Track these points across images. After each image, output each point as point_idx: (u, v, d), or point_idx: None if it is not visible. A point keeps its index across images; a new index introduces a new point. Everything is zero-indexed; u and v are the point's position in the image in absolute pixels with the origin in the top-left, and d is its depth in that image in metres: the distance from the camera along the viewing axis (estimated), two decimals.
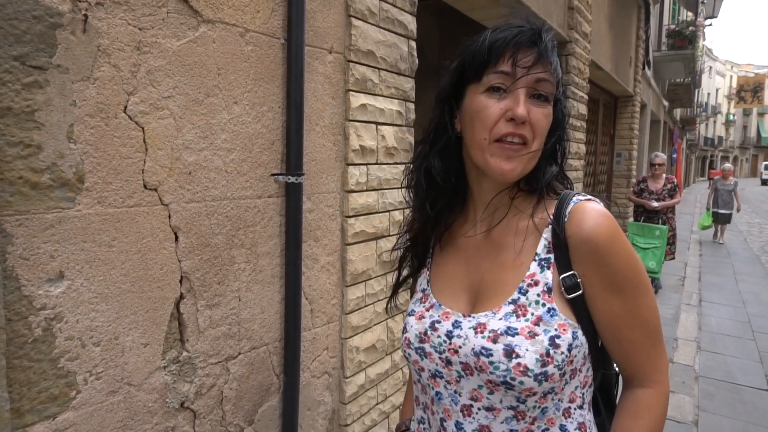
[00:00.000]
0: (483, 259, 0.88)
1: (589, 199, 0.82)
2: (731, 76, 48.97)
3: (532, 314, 0.78)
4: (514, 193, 0.86)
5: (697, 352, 4.46)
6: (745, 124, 56.16)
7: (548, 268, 0.80)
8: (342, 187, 1.94)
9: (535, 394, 0.76)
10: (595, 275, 0.78)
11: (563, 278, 0.79)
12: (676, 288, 6.58)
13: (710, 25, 13.81)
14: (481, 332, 0.79)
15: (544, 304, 0.78)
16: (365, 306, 2.06)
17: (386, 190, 2.12)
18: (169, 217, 1.39)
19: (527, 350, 0.75)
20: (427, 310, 0.89)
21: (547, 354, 0.75)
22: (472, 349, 0.78)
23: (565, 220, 0.80)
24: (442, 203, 0.93)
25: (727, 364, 4.23)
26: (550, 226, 0.82)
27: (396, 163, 2.17)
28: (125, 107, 1.27)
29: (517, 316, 0.78)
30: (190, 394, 1.49)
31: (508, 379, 0.75)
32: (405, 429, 1.06)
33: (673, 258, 6.38)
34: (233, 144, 1.54)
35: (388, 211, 2.14)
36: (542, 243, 0.82)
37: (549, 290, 0.79)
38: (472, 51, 0.83)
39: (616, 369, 0.89)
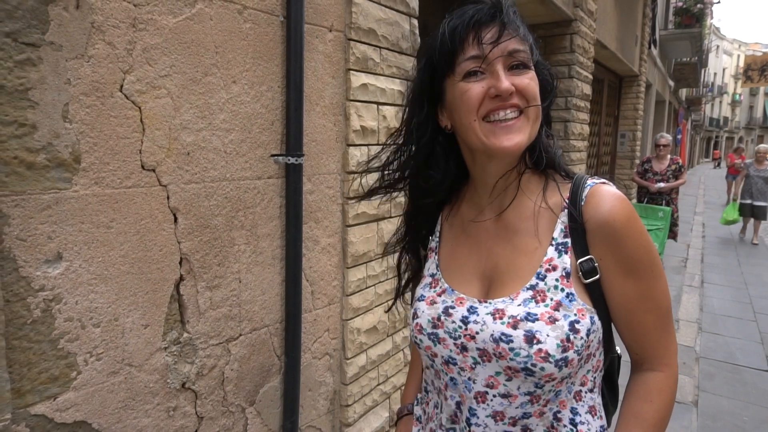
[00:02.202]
0: (495, 245, 0.86)
1: (604, 183, 0.81)
2: (738, 56, 48.31)
3: (552, 299, 0.77)
4: (522, 168, 0.84)
5: (698, 333, 4.47)
6: (752, 105, 55.58)
7: (566, 252, 0.79)
8: (343, 168, 1.92)
9: (554, 379, 0.76)
10: (612, 259, 0.77)
11: (581, 263, 0.78)
12: (678, 269, 6.58)
13: (718, 2, 13.56)
14: (500, 318, 0.78)
15: (563, 289, 0.77)
16: (366, 288, 2.06)
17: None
18: (168, 198, 1.38)
19: (548, 336, 0.74)
20: (439, 295, 0.88)
21: (568, 339, 0.74)
22: (491, 335, 0.77)
23: (582, 203, 0.78)
24: (431, 201, 0.95)
25: (728, 345, 4.24)
26: (566, 210, 0.80)
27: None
28: (121, 86, 1.25)
29: (536, 302, 0.77)
30: (191, 375, 1.49)
31: (529, 365, 0.74)
32: (407, 413, 1.05)
33: (675, 239, 6.37)
34: (232, 124, 1.52)
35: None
36: (559, 227, 0.80)
37: (567, 275, 0.78)
38: (435, 45, 0.81)
39: (618, 352, 0.89)
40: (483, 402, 0.80)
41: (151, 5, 1.28)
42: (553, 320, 0.75)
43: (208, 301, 1.51)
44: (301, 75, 1.64)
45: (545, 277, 0.78)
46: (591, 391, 0.82)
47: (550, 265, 0.79)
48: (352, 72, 1.87)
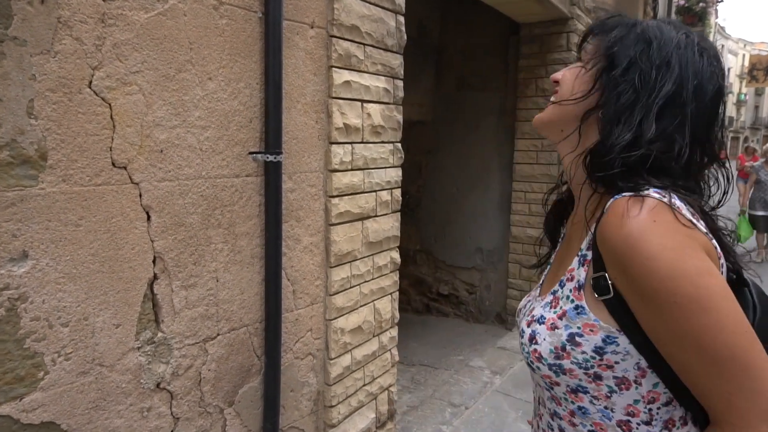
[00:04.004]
0: (561, 248, 0.93)
1: (639, 195, 0.71)
2: (744, 55, 48.04)
3: (560, 308, 0.79)
4: (582, 176, 0.81)
5: None
6: (757, 104, 55.25)
7: (583, 265, 0.77)
8: (325, 167, 1.90)
9: (557, 383, 0.78)
10: (625, 282, 0.70)
11: (594, 278, 0.74)
12: None
13: (722, 1, 13.48)
14: (526, 316, 0.86)
15: (572, 300, 0.77)
16: (351, 287, 2.04)
17: (372, 170, 2.08)
18: (140, 195, 1.36)
19: (544, 339, 0.78)
20: (531, 293, 0.96)
21: (563, 348, 0.75)
22: (521, 329, 0.86)
23: (602, 217, 0.74)
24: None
25: None
26: (597, 223, 0.76)
27: (383, 142, 2.12)
28: (90, 82, 1.23)
29: (551, 307, 0.81)
30: (167, 375, 1.48)
31: (529, 361, 0.81)
32: None
33: None
34: (208, 121, 1.50)
35: (375, 191, 2.10)
36: (587, 239, 0.78)
37: (580, 287, 0.77)
38: None
39: None
40: (537, 385, 0.91)
41: (120, 0, 1.27)
42: (553, 327, 0.78)
43: (183, 300, 1.49)
44: (279, 72, 1.62)
45: (564, 285, 0.80)
46: (647, 424, 0.75)
47: (570, 274, 0.80)
48: (334, 69, 1.85)
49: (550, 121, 0.87)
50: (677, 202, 0.71)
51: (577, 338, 0.74)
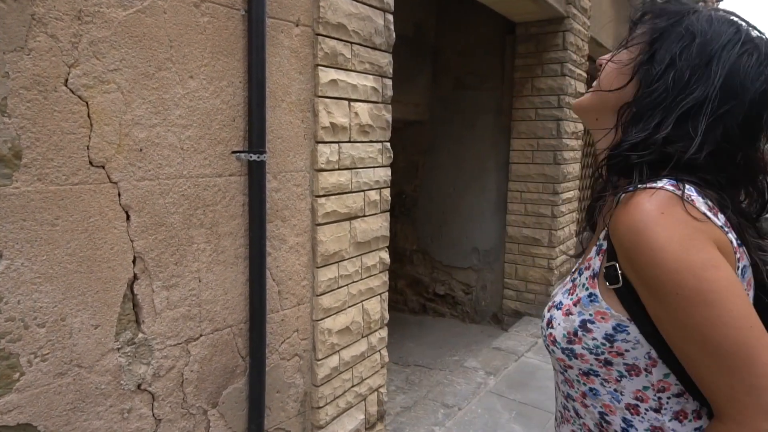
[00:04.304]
0: (592, 239, 0.92)
1: (651, 187, 0.71)
2: None
3: (576, 295, 0.81)
4: (602, 166, 0.84)
5: None
6: None
7: (599, 254, 0.79)
8: (311, 166, 1.88)
9: (570, 367, 0.81)
10: (632, 272, 0.71)
11: (606, 267, 0.76)
12: None
13: (721, 0, 13.45)
14: (550, 301, 0.89)
15: (587, 288, 0.79)
16: (338, 288, 2.02)
17: (360, 169, 2.06)
18: (119, 195, 1.35)
19: (559, 324, 0.81)
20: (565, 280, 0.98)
21: (575, 334, 0.78)
22: (543, 313, 0.88)
23: (615, 209, 0.75)
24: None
25: None
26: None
27: (371, 141, 2.11)
28: (66, 80, 1.22)
29: (569, 294, 0.83)
30: (147, 376, 1.46)
31: (546, 344, 0.85)
32: None
33: None
34: (189, 120, 1.48)
35: (363, 190, 2.09)
36: (604, 230, 0.79)
37: (594, 276, 0.79)
38: None
39: None
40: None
41: None
42: (568, 313, 0.80)
43: (164, 300, 1.48)
44: (263, 70, 1.61)
45: (582, 273, 0.83)
46: (656, 411, 0.75)
47: (588, 263, 0.82)
48: (320, 68, 1.83)
49: (586, 107, 0.89)
50: (693, 195, 0.70)
51: (588, 325, 0.77)
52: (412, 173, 5.53)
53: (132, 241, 1.39)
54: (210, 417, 1.64)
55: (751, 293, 0.76)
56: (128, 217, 1.38)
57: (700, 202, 0.70)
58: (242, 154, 1.62)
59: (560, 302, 0.84)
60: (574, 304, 0.80)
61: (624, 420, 0.78)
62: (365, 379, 2.23)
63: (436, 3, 5.19)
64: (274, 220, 1.77)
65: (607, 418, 0.79)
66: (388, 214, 2.27)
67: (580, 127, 4.89)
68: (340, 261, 2.02)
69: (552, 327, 0.82)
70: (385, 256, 2.28)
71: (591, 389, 0.80)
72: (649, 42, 0.78)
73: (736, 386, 0.65)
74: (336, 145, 1.93)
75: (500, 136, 4.88)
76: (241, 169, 1.64)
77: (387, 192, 2.24)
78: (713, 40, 0.74)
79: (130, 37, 1.33)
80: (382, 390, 2.36)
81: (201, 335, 1.59)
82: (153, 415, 1.49)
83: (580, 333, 0.77)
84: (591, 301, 0.77)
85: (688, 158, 0.72)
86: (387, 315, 2.33)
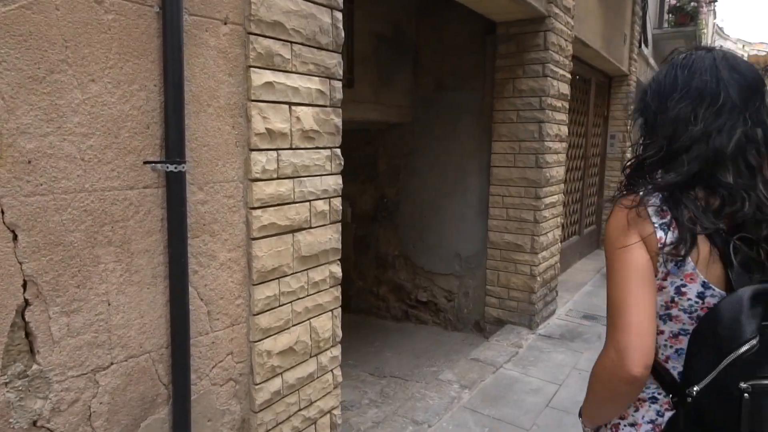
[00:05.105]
0: None
1: (629, 194, 1.02)
2: (743, 55, 47.69)
3: None
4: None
5: None
6: None
7: None
8: (245, 176, 1.74)
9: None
10: None
11: None
12: None
13: (716, 1, 13.30)
14: None
15: None
16: (279, 306, 1.88)
17: (305, 178, 1.92)
18: (2, 212, 1.21)
19: None
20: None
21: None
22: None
23: None
24: None
25: None
26: None
27: (317, 148, 1.96)
28: None
29: None
30: (45, 412, 1.32)
31: None
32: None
33: None
34: (91, 128, 1.34)
35: (309, 201, 1.95)
36: None
37: None
38: None
39: (693, 392, 0.92)
40: None
41: None
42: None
43: (64, 327, 1.34)
44: (180, 73, 1.47)
45: None
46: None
47: None
48: (253, 69, 1.69)
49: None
50: (651, 201, 0.97)
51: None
52: (394, 177, 5.39)
53: (20, 263, 1.25)
54: None
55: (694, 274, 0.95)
56: (15, 237, 1.23)
57: (653, 208, 0.97)
58: (158, 165, 1.47)
59: None
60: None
61: None
62: (315, 401, 2.09)
63: (416, 2, 5.05)
64: (201, 234, 1.63)
65: None
66: (339, 225, 2.13)
67: (564, 129, 4.76)
68: (281, 277, 1.87)
69: None
70: (337, 269, 2.14)
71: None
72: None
73: (610, 323, 0.97)
74: (274, 153, 1.79)
75: (482, 138, 4.74)
76: (158, 180, 1.50)
77: (338, 201, 2.10)
78: (652, 84, 1.06)
79: (11, 36, 1.18)
80: (335, 412, 2.21)
81: (112, 363, 1.45)
82: None
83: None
84: None
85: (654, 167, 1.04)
86: (339, 332, 2.19)
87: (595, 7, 5.90)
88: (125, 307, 1.46)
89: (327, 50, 1.96)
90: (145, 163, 1.46)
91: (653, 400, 1.01)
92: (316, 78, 1.93)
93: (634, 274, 0.94)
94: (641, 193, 0.98)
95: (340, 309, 2.18)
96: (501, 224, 4.64)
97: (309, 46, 1.88)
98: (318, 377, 2.09)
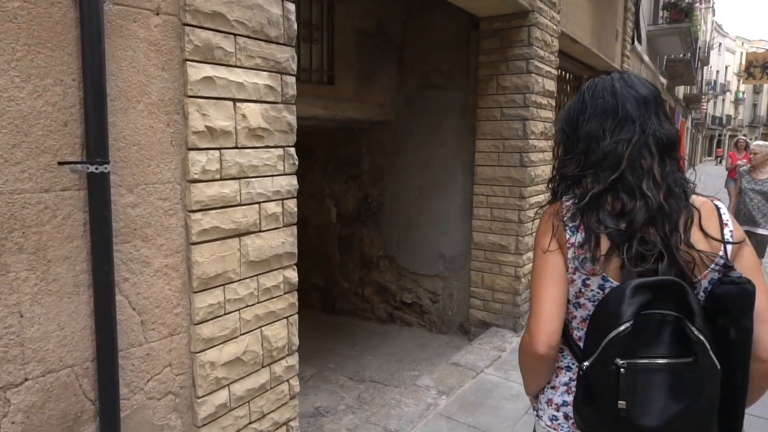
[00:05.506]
0: None
1: (550, 203, 1.22)
2: (742, 53, 47.57)
3: None
4: None
5: None
6: (755, 102, 54.79)
7: None
8: (183, 177, 1.64)
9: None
10: None
11: None
12: None
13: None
14: None
15: None
16: (225, 314, 1.77)
17: (253, 179, 1.81)
18: None
19: None
20: None
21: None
22: None
23: None
24: None
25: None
26: None
27: (267, 147, 1.86)
28: None
29: None
30: None
31: None
32: None
33: None
34: None
35: (258, 203, 1.84)
36: None
37: None
38: None
39: (584, 365, 1.05)
40: None
41: None
42: None
43: None
44: (100, 66, 1.36)
45: None
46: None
47: None
48: (190, 63, 1.59)
49: None
50: (565, 206, 1.13)
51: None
52: (378, 176, 5.28)
53: None
54: None
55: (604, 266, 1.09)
56: None
57: (569, 213, 1.12)
58: (79, 165, 1.37)
59: None
60: None
61: None
62: (268, 413, 1.99)
63: (401, 3, 4.93)
64: (131, 240, 1.53)
65: None
66: (294, 228, 2.02)
67: (549, 127, 4.65)
68: (226, 283, 1.77)
69: None
70: (292, 275, 2.03)
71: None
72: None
73: (530, 308, 1.13)
74: (216, 152, 1.69)
75: (466, 136, 4.63)
76: (79, 182, 1.40)
77: (292, 203, 1.99)
78: (565, 110, 1.23)
79: None
80: (292, 424, 2.11)
81: (26, 380, 1.34)
82: None
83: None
84: None
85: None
86: (296, 340, 2.09)
87: (583, 2, 5.79)
88: (41, 318, 1.35)
89: (277, 43, 1.86)
90: (60, 163, 1.35)
91: (568, 368, 1.20)
92: (265, 73, 1.82)
93: (549, 273, 1.12)
94: (563, 200, 1.15)
95: (296, 316, 2.08)
96: (485, 224, 4.54)
97: (256, 39, 1.78)
98: (272, 388, 1.99)
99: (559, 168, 1.20)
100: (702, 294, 1.05)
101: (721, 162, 35.17)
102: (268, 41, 1.82)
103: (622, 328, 0.96)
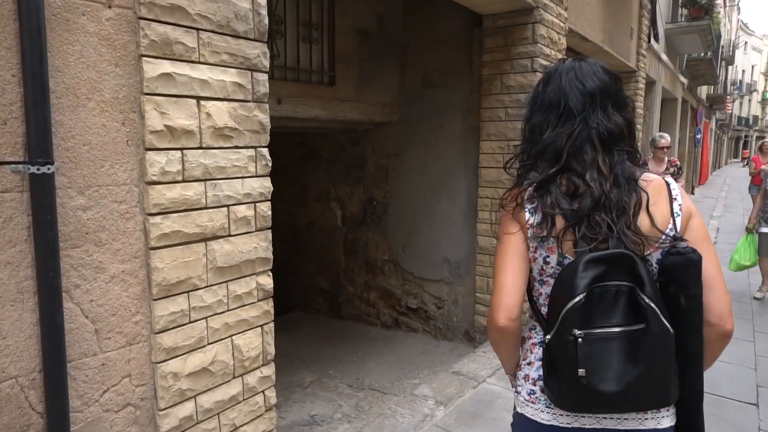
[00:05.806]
0: None
1: (507, 192, 1.26)
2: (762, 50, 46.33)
3: None
4: None
5: None
6: None
7: None
8: (141, 178, 1.56)
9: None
10: None
11: None
12: None
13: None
14: None
15: None
16: (190, 323, 1.69)
17: (220, 181, 1.73)
18: None
19: None
20: None
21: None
22: None
23: None
24: None
25: (713, 370, 3.74)
26: None
27: (236, 148, 1.77)
28: None
29: None
30: None
31: None
32: None
33: None
34: None
35: (226, 206, 1.76)
36: None
37: None
38: None
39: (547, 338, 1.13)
40: None
41: None
42: None
43: None
44: (41, 61, 1.29)
45: None
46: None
47: None
48: (146, 59, 1.51)
49: None
50: (528, 190, 1.18)
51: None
52: (382, 178, 5.18)
53: None
54: None
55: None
56: None
57: (528, 195, 1.18)
58: (20, 166, 1.30)
59: None
60: None
61: None
62: (240, 426, 1.90)
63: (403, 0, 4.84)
64: (82, 244, 1.45)
65: None
66: (269, 232, 1.93)
67: None
68: (191, 290, 1.69)
69: None
70: (266, 281, 1.94)
71: None
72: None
73: (493, 288, 1.20)
74: (177, 153, 1.61)
75: (470, 137, 4.51)
76: (21, 184, 1.33)
77: (265, 206, 1.90)
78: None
79: None
80: None
81: None
82: None
83: None
84: None
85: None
86: (272, 349, 1.99)
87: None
88: None
89: (246, 39, 1.77)
90: (0, 164, 1.28)
91: (541, 344, 1.21)
92: (233, 70, 1.74)
93: (511, 252, 1.18)
94: (523, 185, 1.20)
95: (272, 324, 1.99)
96: (490, 228, 4.40)
97: (222, 34, 1.69)
98: (244, 400, 1.90)
99: (516, 153, 1.27)
100: (655, 265, 1.12)
101: (747, 164, 34.24)
102: (236, 36, 1.74)
103: (576, 299, 1.02)
